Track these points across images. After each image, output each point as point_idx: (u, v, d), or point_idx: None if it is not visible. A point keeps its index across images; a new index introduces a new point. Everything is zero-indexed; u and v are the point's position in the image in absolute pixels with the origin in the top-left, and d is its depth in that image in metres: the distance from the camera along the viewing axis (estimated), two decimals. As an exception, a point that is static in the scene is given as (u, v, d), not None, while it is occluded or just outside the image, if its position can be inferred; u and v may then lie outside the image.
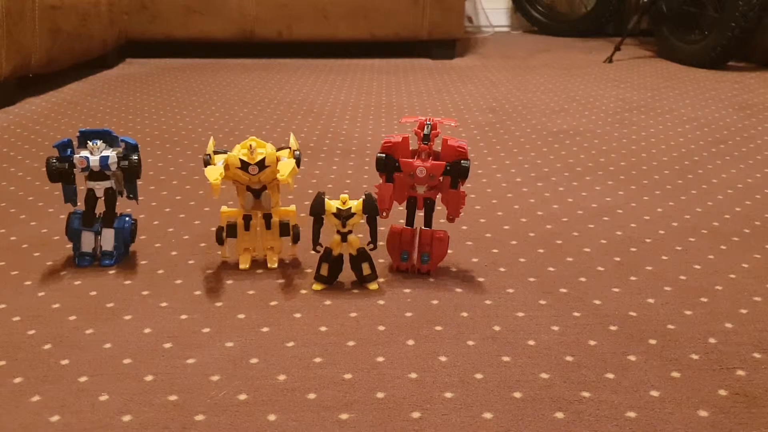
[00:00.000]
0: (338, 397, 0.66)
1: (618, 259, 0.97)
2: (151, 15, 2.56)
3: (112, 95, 2.03)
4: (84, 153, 0.89)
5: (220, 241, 0.92)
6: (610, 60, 2.67)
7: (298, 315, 0.81)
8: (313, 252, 0.88)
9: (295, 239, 0.94)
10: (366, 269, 0.87)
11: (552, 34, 3.50)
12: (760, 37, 2.44)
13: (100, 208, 0.93)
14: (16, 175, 1.32)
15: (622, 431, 0.62)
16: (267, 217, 0.92)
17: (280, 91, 2.11)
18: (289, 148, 0.91)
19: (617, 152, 1.48)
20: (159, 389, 0.67)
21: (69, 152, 0.90)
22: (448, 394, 0.67)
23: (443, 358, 0.73)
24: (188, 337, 0.76)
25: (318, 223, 0.86)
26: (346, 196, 0.86)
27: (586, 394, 0.67)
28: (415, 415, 0.64)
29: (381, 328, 0.79)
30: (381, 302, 0.84)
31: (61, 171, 0.90)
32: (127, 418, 0.63)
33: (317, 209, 0.85)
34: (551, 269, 0.94)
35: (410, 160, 0.87)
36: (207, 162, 0.88)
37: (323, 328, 0.78)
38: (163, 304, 0.84)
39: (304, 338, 0.76)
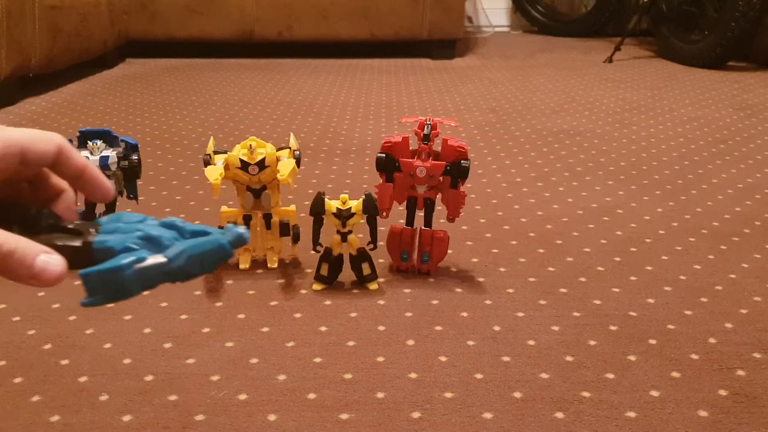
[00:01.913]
0: (338, 397, 0.66)
1: (618, 259, 0.97)
2: (151, 15, 2.56)
3: (112, 95, 2.03)
4: (84, 153, 0.89)
5: (220, 241, 0.91)
6: (610, 60, 2.67)
7: (298, 315, 0.81)
8: (313, 252, 0.88)
9: (295, 239, 0.94)
10: (366, 269, 0.87)
11: (552, 34, 3.50)
12: (760, 37, 2.43)
13: (100, 207, 0.93)
14: (16, 175, 1.32)
15: (622, 431, 0.62)
16: (267, 217, 0.92)
17: (280, 91, 2.11)
18: (289, 148, 0.91)
19: (617, 152, 1.48)
20: (159, 389, 0.67)
21: (69, 152, 0.90)
22: (448, 394, 0.67)
23: (443, 358, 0.73)
24: (188, 337, 0.76)
25: (318, 223, 0.86)
26: (346, 196, 0.86)
27: (586, 394, 0.67)
28: (415, 415, 0.64)
29: (381, 328, 0.79)
30: (381, 302, 0.84)
31: (61, 171, 0.89)
32: (127, 418, 0.63)
33: (317, 209, 0.85)
34: (551, 269, 0.94)
35: (410, 160, 0.87)
36: (207, 162, 0.88)
37: (323, 328, 0.78)
38: (163, 304, 0.84)
39: (304, 338, 0.76)
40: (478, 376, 0.70)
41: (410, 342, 0.76)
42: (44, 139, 0.37)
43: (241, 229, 0.35)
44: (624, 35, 2.74)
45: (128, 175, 0.92)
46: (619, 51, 2.69)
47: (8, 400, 0.66)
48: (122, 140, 0.92)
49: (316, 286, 0.88)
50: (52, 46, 1.98)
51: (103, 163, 0.89)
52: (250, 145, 0.86)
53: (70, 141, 0.91)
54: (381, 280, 0.90)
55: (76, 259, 0.35)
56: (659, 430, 0.62)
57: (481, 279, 0.91)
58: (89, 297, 0.34)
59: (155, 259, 0.34)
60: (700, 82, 2.28)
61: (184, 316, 0.81)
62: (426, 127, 0.88)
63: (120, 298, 0.34)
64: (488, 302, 0.85)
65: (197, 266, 0.34)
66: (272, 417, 0.63)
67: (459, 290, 0.88)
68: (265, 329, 0.78)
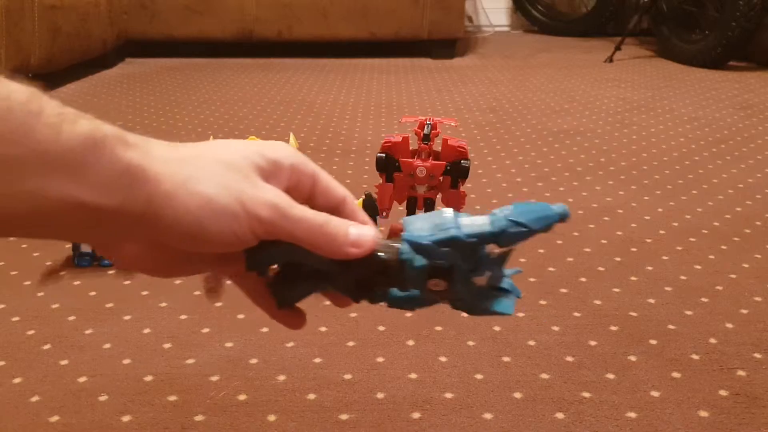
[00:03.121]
0: (338, 397, 0.66)
1: (618, 259, 0.97)
2: (151, 15, 2.56)
3: (112, 95, 2.03)
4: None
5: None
6: (610, 60, 2.67)
7: (298, 315, 0.81)
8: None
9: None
10: (366, 269, 0.87)
11: (552, 34, 3.49)
12: (761, 37, 2.43)
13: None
14: (16, 175, 1.31)
15: (622, 431, 0.62)
16: (267, 217, 0.92)
17: (280, 91, 2.11)
18: (289, 148, 0.91)
19: (617, 152, 1.48)
20: (159, 389, 0.67)
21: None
22: (448, 394, 0.66)
23: (443, 358, 0.72)
24: (188, 337, 0.76)
25: (318, 223, 0.86)
26: (346, 196, 0.85)
27: (586, 394, 0.67)
28: (415, 415, 0.63)
29: (381, 328, 0.79)
30: (381, 302, 0.84)
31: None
32: (127, 418, 0.63)
33: (317, 209, 0.85)
34: (551, 269, 0.94)
35: (410, 160, 0.87)
36: (207, 162, 0.88)
37: (323, 328, 0.78)
38: (163, 304, 0.83)
39: (304, 338, 0.76)
40: (478, 376, 0.70)
41: (410, 342, 0.76)
42: (305, 161, 0.35)
43: (561, 208, 0.34)
44: (624, 35, 2.74)
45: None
46: (619, 51, 2.69)
47: (8, 400, 0.66)
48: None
49: (316, 286, 0.88)
50: (52, 46, 1.98)
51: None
52: (250, 145, 0.86)
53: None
54: (381, 280, 0.90)
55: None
56: (659, 430, 0.62)
57: (481, 279, 0.91)
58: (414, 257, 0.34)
59: (478, 219, 0.34)
60: (700, 82, 2.27)
61: (184, 316, 0.81)
62: (426, 126, 0.88)
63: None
64: (488, 302, 0.85)
65: (523, 216, 0.33)
66: (272, 417, 0.63)
67: (459, 290, 0.88)
68: (265, 329, 0.78)
